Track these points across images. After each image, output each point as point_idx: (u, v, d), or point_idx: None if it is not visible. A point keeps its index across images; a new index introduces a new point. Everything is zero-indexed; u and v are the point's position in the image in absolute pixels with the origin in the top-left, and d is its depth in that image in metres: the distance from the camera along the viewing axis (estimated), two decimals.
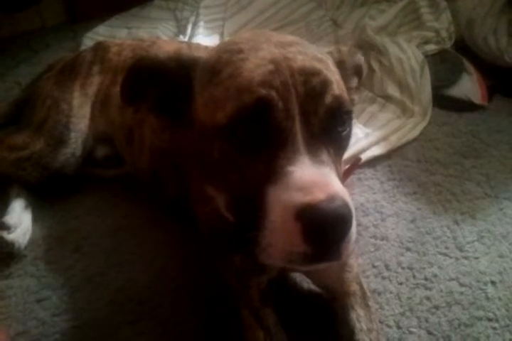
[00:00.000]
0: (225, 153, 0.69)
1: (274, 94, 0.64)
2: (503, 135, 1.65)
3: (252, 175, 0.66)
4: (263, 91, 0.64)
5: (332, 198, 0.59)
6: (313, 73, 0.68)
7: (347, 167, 1.21)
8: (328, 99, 0.67)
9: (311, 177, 0.61)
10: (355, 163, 0.93)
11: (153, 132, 1.17)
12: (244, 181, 0.67)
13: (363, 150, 1.50)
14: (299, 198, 0.59)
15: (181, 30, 2.02)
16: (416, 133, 1.61)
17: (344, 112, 0.70)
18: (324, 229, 0.59)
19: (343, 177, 0.86)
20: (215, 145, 0.69)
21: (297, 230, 0.59)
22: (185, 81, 0.75)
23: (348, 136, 0.74)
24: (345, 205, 0.60)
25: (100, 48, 1.35)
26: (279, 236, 0.61)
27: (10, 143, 1.25)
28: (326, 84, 0.68)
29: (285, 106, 0.65)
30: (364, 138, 1.54)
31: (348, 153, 1.40)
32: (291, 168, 0.62)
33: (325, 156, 0.65)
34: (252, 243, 0.64)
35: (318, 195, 0.59)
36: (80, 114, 1.27)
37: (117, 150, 1.35)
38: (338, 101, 0.68)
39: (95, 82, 1.30)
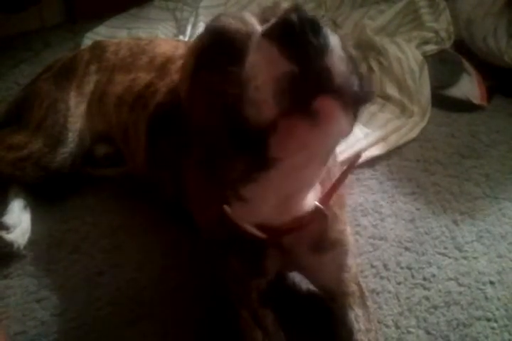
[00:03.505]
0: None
1: None
2: (502, 135, 1.64)
3: None
4: None
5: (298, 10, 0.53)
6: None
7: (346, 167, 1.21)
8: None
9: None
10: (356, 159, 0.91)
11: None
12: None
13: (363, 151, 1.50)
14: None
15: (181, 31, 2.02)
16: (415, 133, 1.61)
17: None
18: (295, 31, 0.52)
19: (343, 175, 0.85)
20: None
21: (275, 51, 0.53)
22: None
23: None
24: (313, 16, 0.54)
25: (98, 47, 1.35)
26: (261, 68, 0.55)
27: (8, 142, 1.24)
28: None
29: None
30: (363, 138, 1.54)
31: (348, 154, 1.40)
32: None
33: None
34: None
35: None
36: (77, 114, 1.27)
37: (118, 148, 1.34)
38: None
39: (92, 81, 1.30)
